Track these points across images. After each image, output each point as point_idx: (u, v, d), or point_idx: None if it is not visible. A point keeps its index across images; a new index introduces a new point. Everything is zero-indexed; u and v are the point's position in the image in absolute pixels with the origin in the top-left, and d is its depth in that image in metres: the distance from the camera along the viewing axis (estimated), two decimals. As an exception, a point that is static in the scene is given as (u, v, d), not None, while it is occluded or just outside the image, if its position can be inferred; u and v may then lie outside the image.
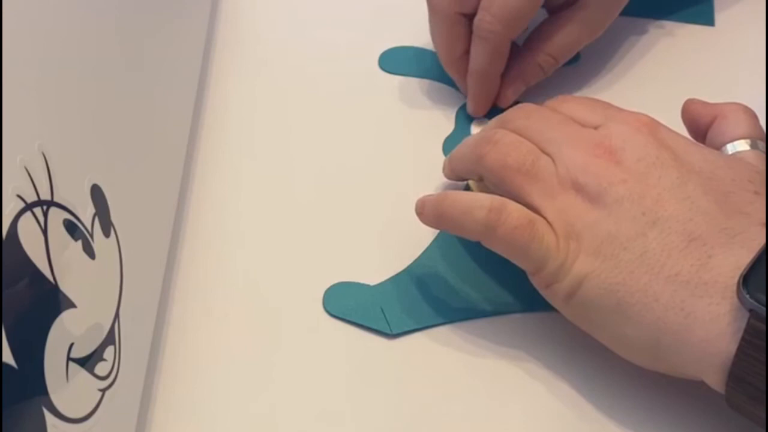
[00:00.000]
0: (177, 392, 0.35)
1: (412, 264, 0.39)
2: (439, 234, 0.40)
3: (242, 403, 0.35)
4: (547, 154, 0.34)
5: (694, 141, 0.35)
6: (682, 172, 0.32)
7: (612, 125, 0.34)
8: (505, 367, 0.36)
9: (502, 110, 0.41)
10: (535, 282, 0.34)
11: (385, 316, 0.37)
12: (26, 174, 0.26)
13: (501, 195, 0.35)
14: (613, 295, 0.31)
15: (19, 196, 0.25)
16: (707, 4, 0.49)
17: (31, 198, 0.26)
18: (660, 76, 0.46)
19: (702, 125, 0.36)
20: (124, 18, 0.36)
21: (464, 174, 0.38)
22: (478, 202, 0.34)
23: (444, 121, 0.44)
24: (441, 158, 0.42)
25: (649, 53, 0.47)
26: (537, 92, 0.45)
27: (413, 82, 0.46)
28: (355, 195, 0.41)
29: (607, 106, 0.36)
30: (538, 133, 0.35)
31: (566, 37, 0.43)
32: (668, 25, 0.48)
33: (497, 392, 0.35)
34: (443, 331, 0.37)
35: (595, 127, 0.35)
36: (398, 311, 0.37)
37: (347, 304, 0.37)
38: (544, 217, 0.33)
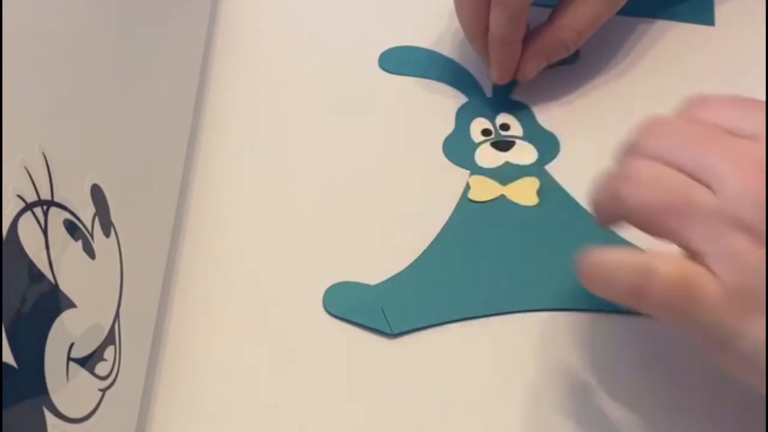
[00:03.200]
0: (177, 392, 0.35)
1: (412, 264, 0.39)
2: (439, 234, 0.40)
3: (242, 402, 0.35)
4: (703, 182, 0.27)
5: None
6: None
7: None
8: (505, 367, 0.36)
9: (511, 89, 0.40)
10: (702, 346, 0.28)
11: (385, 316, 0.37)
12: (26, 174, 0.26)
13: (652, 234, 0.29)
14: None
15: (19, 196, 0.25)
16: (707, 4, 0.49)
17: (31, 198, 0.26)
18: (660, 75, 0.46)
19: None
20: (124, 18, 0.36)
21: (610, 221, 0.32)
22: (620, 261, 0.28)
23: (444, 121, 0.44)
24: (441, 158, 0.42)
25: (649, 53, 0.47)
26: (538, 91, 0.45)
27: (413, 82, 0.46)
28: (355, 195, 0.41)
29: (756, 105, 0.29)
30: (684, 156, 0.28)
31: (588, 12, 0.41)
32: (668, 25, 0.48)
33: (497, 392, 0.35)
34: (443, 331, 0.37)
35: (754, 137, 0.28)
36: (398, 311, 0.37)
37: (347, 303, 0.37)
38: (707, 266, 0.27)
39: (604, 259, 0.29)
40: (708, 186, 0.27)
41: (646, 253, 0.29)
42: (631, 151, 0.30)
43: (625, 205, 0.29)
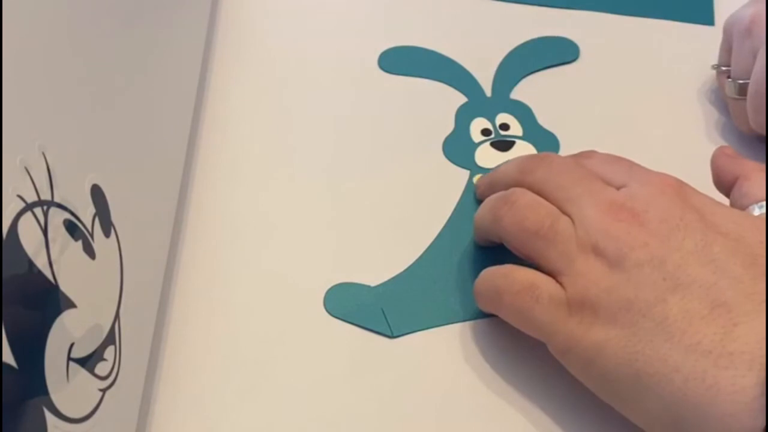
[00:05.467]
0: (177, 392, 0.35)
1: (412, 265, 0.39)
2: (439, 234, 0.40)
3: (242, 403, 0.35)
4: (567, 214, 0.33)
5: (721, 203, 0.33)
6: (707, 234, 0.31)
7: (636, 186, 0.33)
8: (505, 368, 0.36)
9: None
10: (552, 351, 0.33)
11: (386, 318, 0.37)
12: (26, 174, 0.26)
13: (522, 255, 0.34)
14: (632, 366, 0.30)
15: (19, 196, 0.25)
16: (707, 4, 0.49)
17: (31, 198, 0.26)
18: (660, 75, 0.46)
19: (725, 181, 0.35)
20: (124, 18, 0.36)
21: (486, 237, 0.37)
22: (493, 270, 0.35)
23: (444, 121, 0.44)
24: (441, 158, 0.42)
25: (649, 53, 0.47)
26: (538, 91, 0.45)
27: (413, 82, 0.46)
28: (355, 195, 0.41)
29: (632, 165, 0.35)
30: (558, 190, 0.34)
31: None
32: (668, 25, 0.48)
33: (498, 393, 0.35)
34: (444, 332, 0.37)
35: (619, 187, 0.34)
36: (399, 313, 0.37)
37: (348, 305, 0.37)
38: (560, 283, 0.32)
39: (485, 271, 0.35)
40: (570, 218, 0.33)
41: (513, 265, 0.34)
42: (518, 175, 0.36)
43: (502, 223, 0.35)
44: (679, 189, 0.33)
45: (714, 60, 0.44)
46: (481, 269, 0.37)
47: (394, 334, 0.37)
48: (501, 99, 0.45)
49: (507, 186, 0.36)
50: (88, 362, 0.29)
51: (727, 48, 0.42)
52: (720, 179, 0.36)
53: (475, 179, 0.41)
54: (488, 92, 0.45)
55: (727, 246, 0.30)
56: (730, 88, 0.42)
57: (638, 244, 0.31)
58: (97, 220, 0.30)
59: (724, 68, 0.43)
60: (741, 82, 0.41)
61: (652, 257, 0.30)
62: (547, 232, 0.33)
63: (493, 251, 0.37)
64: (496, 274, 0.35)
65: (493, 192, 0.37)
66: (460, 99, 0.45)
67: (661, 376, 0.29)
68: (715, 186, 0.36)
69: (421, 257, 0.39)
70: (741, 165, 0.35)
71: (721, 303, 0.29)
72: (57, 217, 0.27)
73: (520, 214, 0.34)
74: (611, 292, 0.31)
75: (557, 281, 0.32)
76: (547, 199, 0.34)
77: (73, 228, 0.28)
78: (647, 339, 0.29)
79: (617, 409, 0.32)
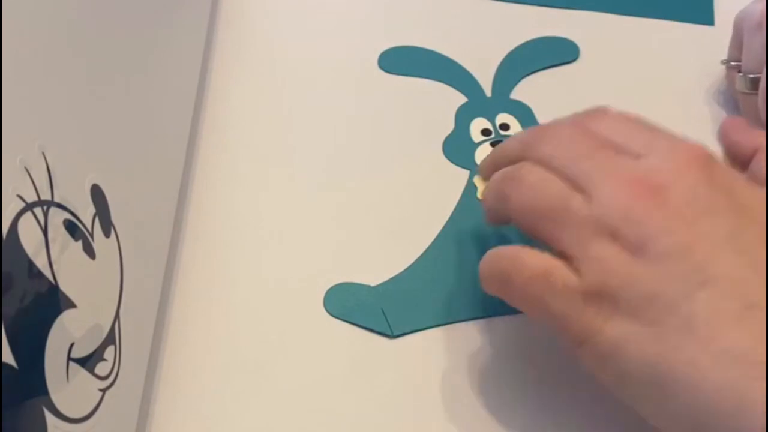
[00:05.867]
0: (177, 392, 0.35)
1: (412, 265, 0.39)
2: (439, 234, 0.40)
3: (242, 403, 0.35)
4: (580, 191, 0.30)
5: (751, 182, 0.30)
6: (740, 220, 0.28)
7: (657, 157, 0.29)
8: (505, 368, 0.36)
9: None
10: (563, 342, 0.30)
11: (386, 317, 0.37)
12: (26, 174, 0.26)
13: (530, 234, 0.31)
14: (654, 368, 0.27)
15: (19, 196, 0.25)
16: (707, 4, 0.49)
17: (31, 198, 0.26)
18: (659, 75, 0.46)
19: (742, 154, 0.32)
20: (124, 18, 0.36)
21: (497, 220, 0.34)
22: (500, 252, 0.32)
23: (444, 121, 0.44)
24: (441, 158, 0.42)
25: (649, 53, 0.47)
26: (538, 91, 0.45)
27: (413, 82, 0.46)
28: (355, 195, 0.41)
29: (653, 128, 0.31)
30: (569, 164, 0.30)
31: None
32: (668, 25, 0.48)
33: (498, 392, 0.35)
34: (444, 332, 0.37)
35: (637, 156, 0.30)
36: (399, 313, 0.37)
37: (348, 305, 0.37)
38: (577, 269, 0.29)
39: (491, 252, 0.32)
40: (584, 195, 0.29)
41: (521, 246, 0.31)
42: (523, 148, 0.32)
43: (510, 203, 0.31)
44: (706, 163, 0.29)
45: (714, 60, 0.44)
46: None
47: (394, 334, 0.37)
48: (501, 99, 0.45)
49: (511, 164, 0.33)
50: (88, 362, 0.29)
51: (737, 43, 0.42)
52: (735, 152, 0.33)
53: (475, 179, 0.41)
54: (488, 92, 0.45)
55: (761, 235, 0.27)
56: (740, 83, 0.41)
57: (662, 230, 0.28)
58: (97, 220, 0.30)
59: (734, 63, 0.43)
60: (752, 76, 0.40)
61: (679, 245, 0.27)
62: (558, 213, 0.30)
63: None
64: (502, 255, 0.32)
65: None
66: (460, 99, 0.45)
67: (687, 382, 0.26)
68: (729, 160, 0.33)
69: (421, 257, 0.39)
70: (759, 136, 0.32)
71: (754, 303, 0.26)
72: (57, 217, 0.27)
73: (529, 193, 0.31)
74: (633, 283, 0.28)
75: (571, 266, 0.29)
76: (556, 175, 0.31)
77: (73, 228, 0.28)
78: (674, 340, 0.27)
79: (632, 407, 0.29)
